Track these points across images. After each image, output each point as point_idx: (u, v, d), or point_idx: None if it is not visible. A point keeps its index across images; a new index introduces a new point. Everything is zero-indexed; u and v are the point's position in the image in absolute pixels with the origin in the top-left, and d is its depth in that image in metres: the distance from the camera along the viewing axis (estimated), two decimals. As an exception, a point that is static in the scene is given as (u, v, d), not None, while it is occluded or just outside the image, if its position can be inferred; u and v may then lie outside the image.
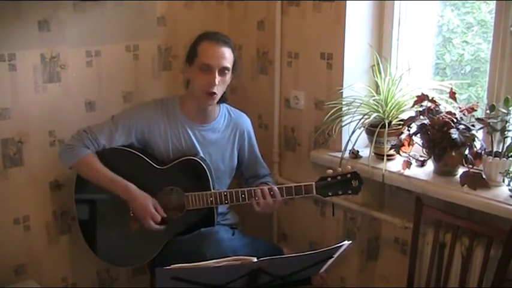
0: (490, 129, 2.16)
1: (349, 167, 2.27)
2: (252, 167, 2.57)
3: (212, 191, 2.31)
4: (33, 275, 2.58)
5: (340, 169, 2.27)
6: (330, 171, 2.26)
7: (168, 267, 1.77)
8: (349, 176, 2.25)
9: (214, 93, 2.30)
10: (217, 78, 2.28)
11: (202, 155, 2.39)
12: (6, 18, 2.33)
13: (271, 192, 2.26)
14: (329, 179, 2.25)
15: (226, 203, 2.32)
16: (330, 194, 2.26)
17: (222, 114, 2.48)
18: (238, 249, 2.20)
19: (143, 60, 2.74)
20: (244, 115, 2.56)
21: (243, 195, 2.28)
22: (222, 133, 2.47)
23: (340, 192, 2.26)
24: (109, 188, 2.29)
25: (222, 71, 2.30)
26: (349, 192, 2.26)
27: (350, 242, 1.96)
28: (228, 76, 2.34)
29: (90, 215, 2.42)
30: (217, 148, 2.45)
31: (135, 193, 2.28)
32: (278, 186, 2.30)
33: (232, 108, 2.54)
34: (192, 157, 2.34)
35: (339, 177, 2.25)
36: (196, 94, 2.34)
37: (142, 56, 2.73)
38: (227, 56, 2.31)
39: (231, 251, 2.13)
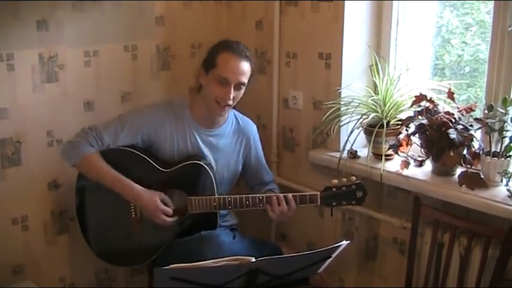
0: (488, 129, 2.16)
1: (354, 177, 2.25)
2: (258, 173, 2.55)
3: (216, 196, 2.29)
4: (31, 275, 2.58)
5: (345, 179, 2.25)
6: (335, 181, 2.24)
7: (166, 267, 1.76)
8: (354, 187, 2.23)
9: (228, 105, 2.29)
10: (232, 93, 2.26)
11: (207, 159, 2.38)
12: (4, 17, 2.33)
13: (284, 200, 2.24)
14: (334, 189, 2.24)
15: (230, 209, 2.30)
16: (334, 204, 2.25)
17: (230, 120, 2.46)
18: (239, 252, 2.17)
19: (141, 60, 2.74)
20: (251, 121, 2.55)
21: (247, 202, 2.25)
22: (229, 139, 2.45)
23: (344, 203, 2.25)
24: (113, 188, 2.26)
25: (238, 85, 2.27)
26: (353, 202, 2.25)
27: (348, 242, 1.95)
28: (243, 90, 2.32)
29: (91, 214, 2.40)
30: (223, 154, 2.43)
31: (141, 192, 2.25)
32: (283, 194, 2.28)
33: (240, 114, 2.52)
34: (197, 161, 2.32)
35: (343, 188, 2.24)
36: (209, 103, 2.32)
37: (140, 56, 2.73)
38: (246, 70, 2.28)
39: (231, 254, 2.10)
